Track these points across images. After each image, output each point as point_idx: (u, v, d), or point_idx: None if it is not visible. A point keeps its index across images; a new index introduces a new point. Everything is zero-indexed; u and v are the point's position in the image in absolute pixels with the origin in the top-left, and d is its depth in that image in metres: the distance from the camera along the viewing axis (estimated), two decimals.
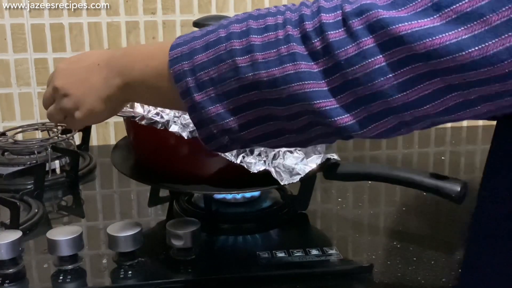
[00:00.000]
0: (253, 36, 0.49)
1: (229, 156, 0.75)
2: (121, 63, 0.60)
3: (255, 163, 0.76)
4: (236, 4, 1.19)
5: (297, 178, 0.77)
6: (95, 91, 0.62)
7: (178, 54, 0.53)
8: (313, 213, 0.90)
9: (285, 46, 0.47)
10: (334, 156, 0.79)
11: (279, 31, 0.48)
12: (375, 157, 1.20)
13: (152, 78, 0.56)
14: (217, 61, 0.50)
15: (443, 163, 1.13)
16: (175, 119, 0.74)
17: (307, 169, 0.77)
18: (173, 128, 0.74)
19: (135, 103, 0.74)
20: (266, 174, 0.76)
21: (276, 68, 0.47)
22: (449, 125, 1.32)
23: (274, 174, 0.76)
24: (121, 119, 1.19)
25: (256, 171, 0.76)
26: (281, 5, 0.52)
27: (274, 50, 0.48)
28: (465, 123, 1.32)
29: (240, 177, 0.77)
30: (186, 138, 0.74)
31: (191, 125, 0.74)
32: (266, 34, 0.48)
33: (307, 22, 0.46)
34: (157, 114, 0.74)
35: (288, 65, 0.47)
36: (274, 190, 0.92)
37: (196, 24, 0.85)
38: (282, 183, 0.76)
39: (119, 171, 0.85)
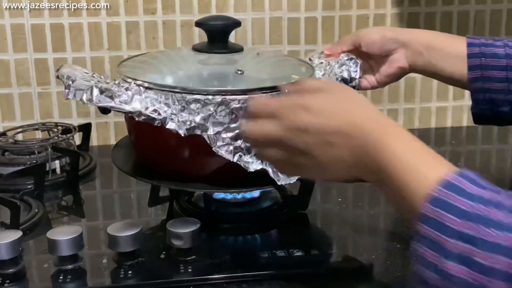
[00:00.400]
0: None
1: (226, 154, 0.75)
2: (372, 161, 0.53)
3: (252, 162, 0.76)
4: (236, 4, 1.19)
5: (294, 179, 0.76)
6: (342, 167, 0.56)
7: (427, 232, 0.45)
8: (313, 213, 0.90)
9: None
10: None
11: None
12: None
13: (403, 203, 0.50)
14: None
15: None
16: (173, 116, 0.74)
17: None
18: (170, 125, 0.74)
19: (133, 99, 0.74)
20: (266, 173, 0.76)
21: None
22: (449, 125, 1.32)
23: (271, 174, 0.76)
24: (121, 119, 1.19)
25: (253, 170, 0.76)
26: None
27: None
28: (465, 123, 1.32)
29: (241, 177, 0.77)
30: (183, 135, 0.74)
31: (188, 122, 0.74)
32: None
33: None
34: (155, 111, 0.74)
35: None
36: (274, 190, 0.92)
37: (198, 24, 0.86)
38: (279, 183, 0.76)
39: (120, 170, 0.84)
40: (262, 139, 0.60)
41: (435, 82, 1.29)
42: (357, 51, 0.89)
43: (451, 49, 0.84)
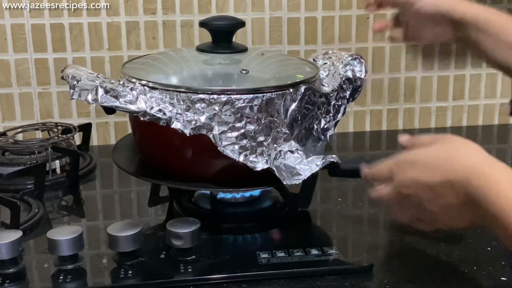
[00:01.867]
0: None
1: (231, 154, 0.75)
2: (482, 213, 0.59)
3: (258, 162, 0.76)
4: (236, 4, 1.19)
5: (299, 180, 0.76)
6: (453, 212, 0.62)
7: None
8: (313, 213, 0.90)
9: None
10: (335, 159, 0.79)
11: None
12: (375, 157, 1.20)
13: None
14: None
15: None
16: (178, 116, 0.74)
17: (308, 169, 0.77)
18: (176, 125, 0.74)
19: (138, 99, 0.74)
20: (269, 173, 0.76)
21: None
22: (449, 125, 1.32)
23: (276, 173, 0.76)
24: (121, 119, 1.20)
25: (260, 169, 0.76)
26: None
27: None
28: (465, 123, 1.32)
29: (246, 176, 0.77)
30: (188, 135, 0.74)
31: (193, 121, 0.74)
32: None
33: None
34: (160, 110, 0.74)
35: None
36: (275, 190, 0.92)
37: (202, 24, 0.86)
38: (284, 183, 0.76)
39: (123, 171, 0.84)
40: (386, 201, 0.68)
41: (435, 82, 1.29)
42: (403, 8, 0.86)
43: (505, 36, 0.78)
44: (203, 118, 0.74)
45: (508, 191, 0.57)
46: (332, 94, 0.88)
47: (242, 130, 0.75)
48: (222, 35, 0.86)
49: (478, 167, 0.60)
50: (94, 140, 1.22)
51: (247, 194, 0.88)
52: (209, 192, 0.87)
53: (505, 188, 0.57)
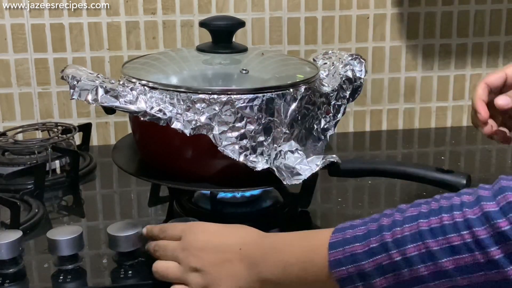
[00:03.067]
0: (429, 241, 0.49)
1: (232, 154, 0.75)
2: (272, 260, 0.58)
3: (258, 162, 0.76)
4: (236, 4, 1.19)
5: (299, 180, 0.76)
6: (233, 279, 0.60)
7: (339, 256, 0.52)
8: (313, 213, 0.90)
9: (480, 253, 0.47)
10: (335, 158, 0.79)
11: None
12: (375, 157, 1.20)
13: (310, 278, 0.55)
14: (380, 269, 0.50)
15: (443, 163, 1.13)
16: (178, 116, 0.74)
17: (308, 169, 0.77)
18: (176, 125, 0.74)
19: (138, 99, 0.74)
20: (269, 173, 0.76)
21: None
22: (449, 125, 1.32)
23: (276, 173, 0.76)
24: (121, 119, 1.20)
25: (260, 169, 0.76)
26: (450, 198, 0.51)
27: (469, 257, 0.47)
28: (465, 123, 1.32)
29: (246, 176, 0.77)
30: (188, 135, 0.74)
31: (194, 121, 0.74)
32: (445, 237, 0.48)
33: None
34: (160, 110, 0.74)
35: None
36: (274, 190, 0.92)
37: (202, 24, 0.86)
38: (284, 183, 0.76)
39: (123, 170, 0.84)
40: (167, 254, 0.67)
41: (435, 82, 1.29)
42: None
43: None
44: (203, 118, 0.74)
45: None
46: (332, 94, 0.88)
47: (242, 130, 0.75)
48: (222, 35, 0.86)
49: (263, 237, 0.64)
50: (94, 140, 1.22)
51: (247, 194, 0.88)
52: (209, 192, 0.87)
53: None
